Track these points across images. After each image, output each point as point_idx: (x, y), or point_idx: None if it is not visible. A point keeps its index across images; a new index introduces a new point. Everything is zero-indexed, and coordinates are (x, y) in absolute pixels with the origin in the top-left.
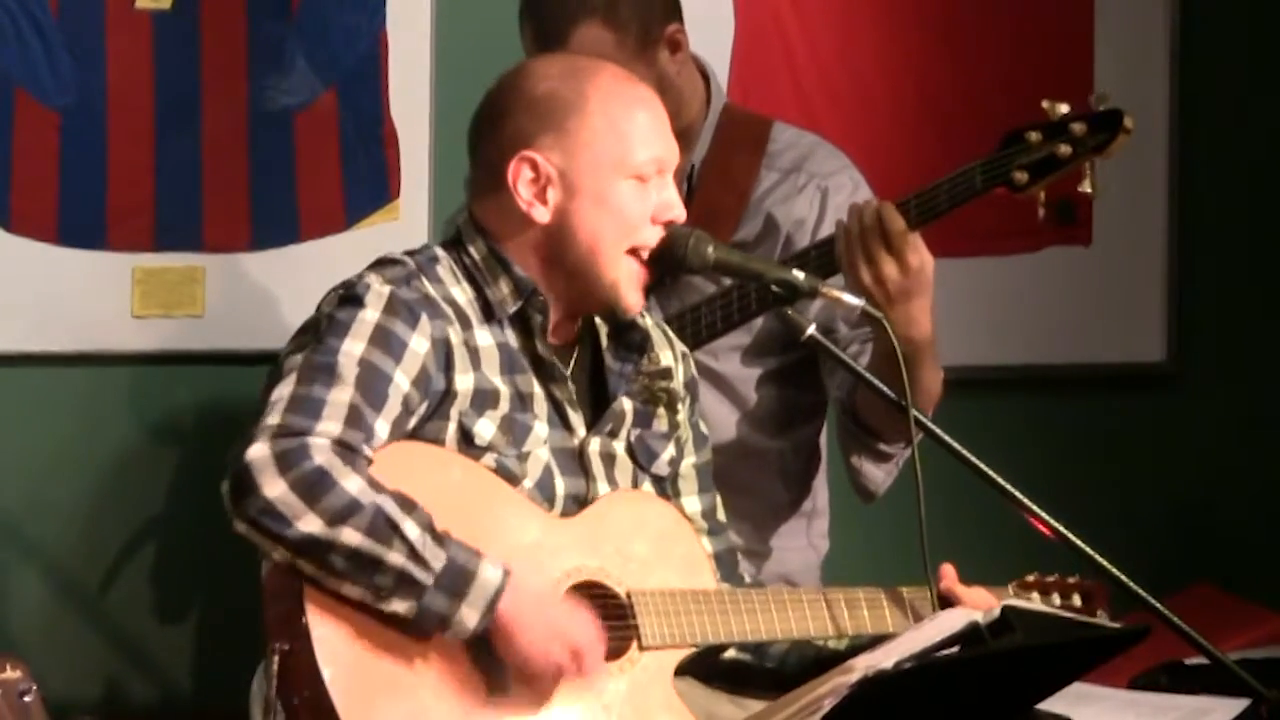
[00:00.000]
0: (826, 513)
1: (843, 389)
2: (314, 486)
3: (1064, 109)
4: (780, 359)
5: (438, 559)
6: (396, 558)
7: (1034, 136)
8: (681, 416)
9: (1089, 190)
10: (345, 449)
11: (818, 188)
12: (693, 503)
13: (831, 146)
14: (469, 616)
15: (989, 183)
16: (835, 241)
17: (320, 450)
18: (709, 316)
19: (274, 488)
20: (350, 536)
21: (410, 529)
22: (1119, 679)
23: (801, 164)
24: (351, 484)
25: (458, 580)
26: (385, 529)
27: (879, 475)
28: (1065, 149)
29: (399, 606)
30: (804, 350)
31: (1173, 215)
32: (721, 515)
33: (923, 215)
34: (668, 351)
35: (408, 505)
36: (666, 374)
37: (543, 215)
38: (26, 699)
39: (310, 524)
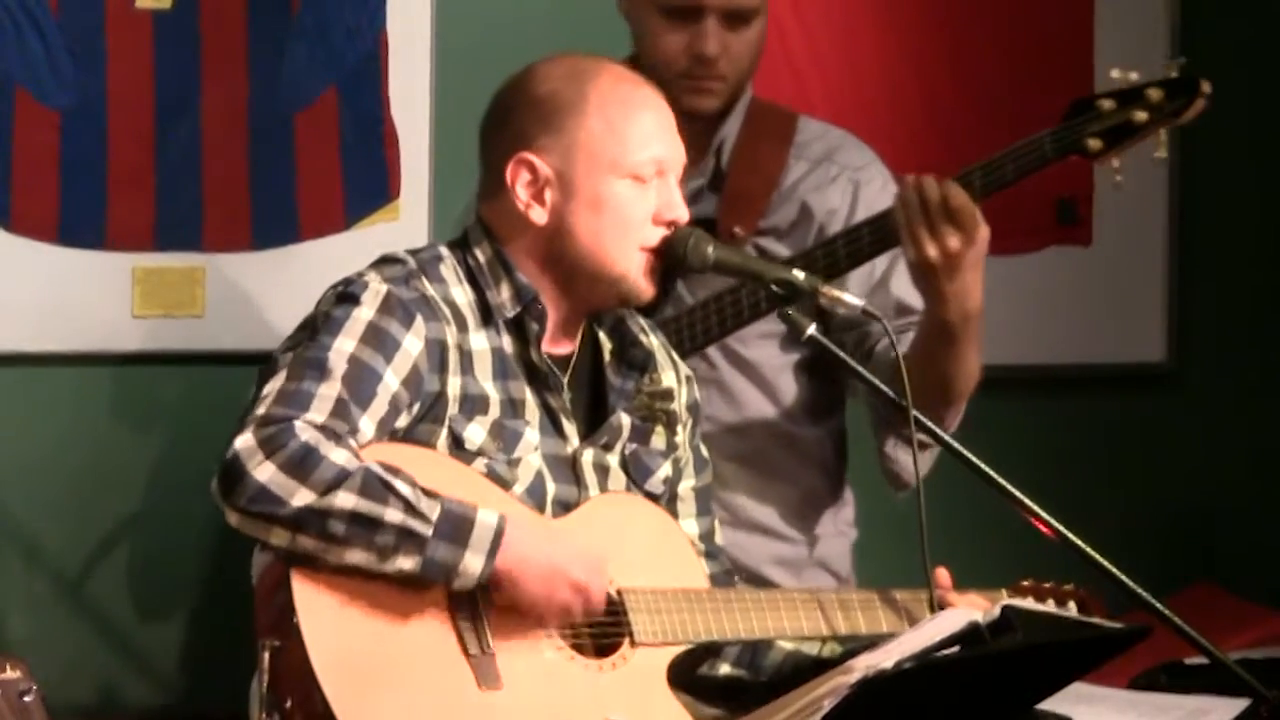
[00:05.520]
0: (852, 501)
1: (881, 377)
2: (302, 463)
3: (1135, 76)
4: (811, 349)
5: (433, 510)
6: (394, 514)
7: (1107, 104)
8: (681, 438)
9: (1164, 155)
10: (328, 431)
11: (850, 180)
12: (690, 525)
13: (858, 140)
14: (473, 562)
15: (1060, 150)
16: (890, 216)
17: (304, 430)
18: (734, 306)
19: (263, 471)
20: (345, 500)
21: (402, 486)
22: (1119, 679)
23: (832, 155)
24: (338, 455)
25: (457, 527)
26: (379, 488)
27: (911, 465)
28: (1141, 115)
29: (404, 563)
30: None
31: (1173, 215)
32: (720, 539)
33: (988, 187)
34: (670, 373)
35: (392, 469)
36: (668, 395)
37: (540, 216)
38: (26, 699)
39: (304, 497)
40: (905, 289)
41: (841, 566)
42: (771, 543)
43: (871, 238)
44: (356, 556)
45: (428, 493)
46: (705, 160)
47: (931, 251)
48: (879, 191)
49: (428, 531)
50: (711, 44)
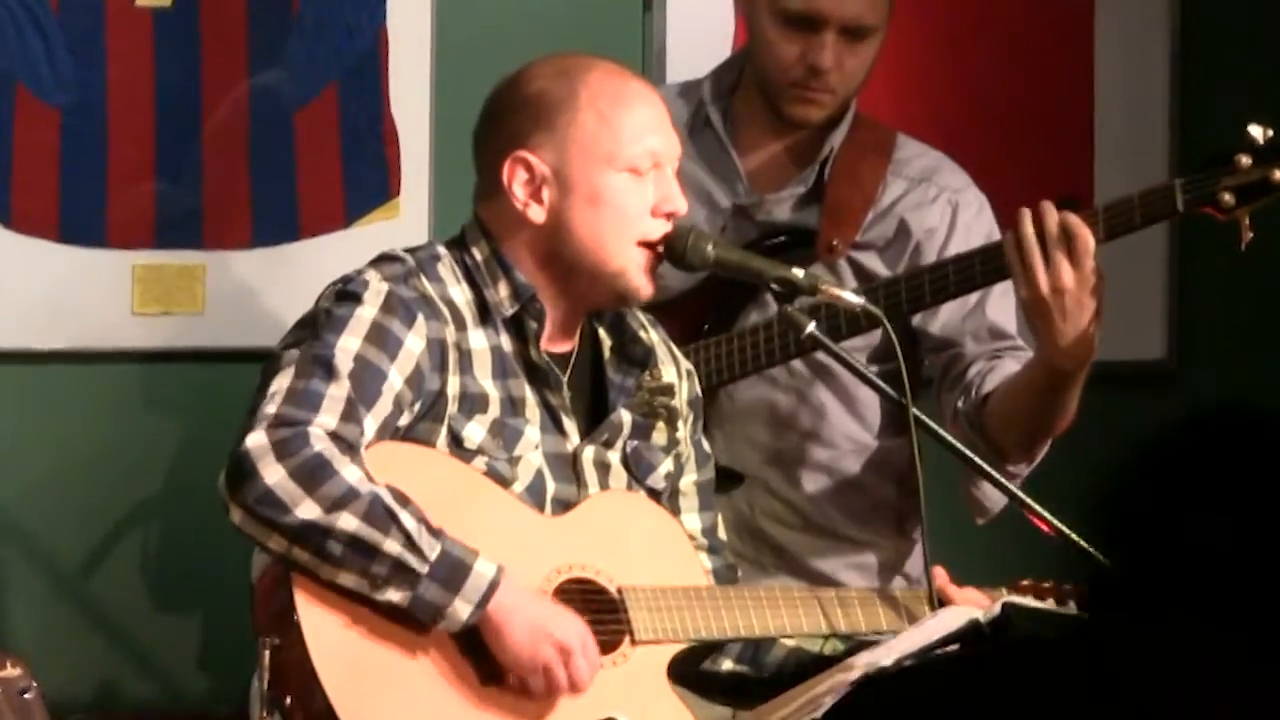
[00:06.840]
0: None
1: (970, 403)
2: (313, 474)
3: (1271, 133)
4: (890, 366)
5: (433, 550)
6: (393, 545)
7: (1244, 160)
8: (682, 434)
9: None
10: (342, 442)
11: (949, 201)
12: (693, 520)
13: (954, 163)
14: (462, 609)
15: (1194, 203)
16: (1002, 249)
17: (319, 439)
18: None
19: (273, 474)
20: (348, 522)
21: (407, 519)
22: None
23: (930, 175)
24: (350, 473)
25: (453, 572)
26: (383, 516)
27: (997, 495)
28: (1279, 174)
29: (393, 596)
30: (917, 359)
31: None
32: (722, 534)
33: (1112, 230)
34: (671, 368)
35: (402, 499)
36: (668, 390)
37: (539, 215)
38: (27, 696)
39: (309, 510)
40: (1000, 313)
41: (915, 570)
42: (846, 549)
43: (983, 268)
44: (349, 580)
45: (432, 530)
46: (809, 170)
47: (1044, 285)
48: (976, 215)
49: (423, 570)
50: (827, 57)
